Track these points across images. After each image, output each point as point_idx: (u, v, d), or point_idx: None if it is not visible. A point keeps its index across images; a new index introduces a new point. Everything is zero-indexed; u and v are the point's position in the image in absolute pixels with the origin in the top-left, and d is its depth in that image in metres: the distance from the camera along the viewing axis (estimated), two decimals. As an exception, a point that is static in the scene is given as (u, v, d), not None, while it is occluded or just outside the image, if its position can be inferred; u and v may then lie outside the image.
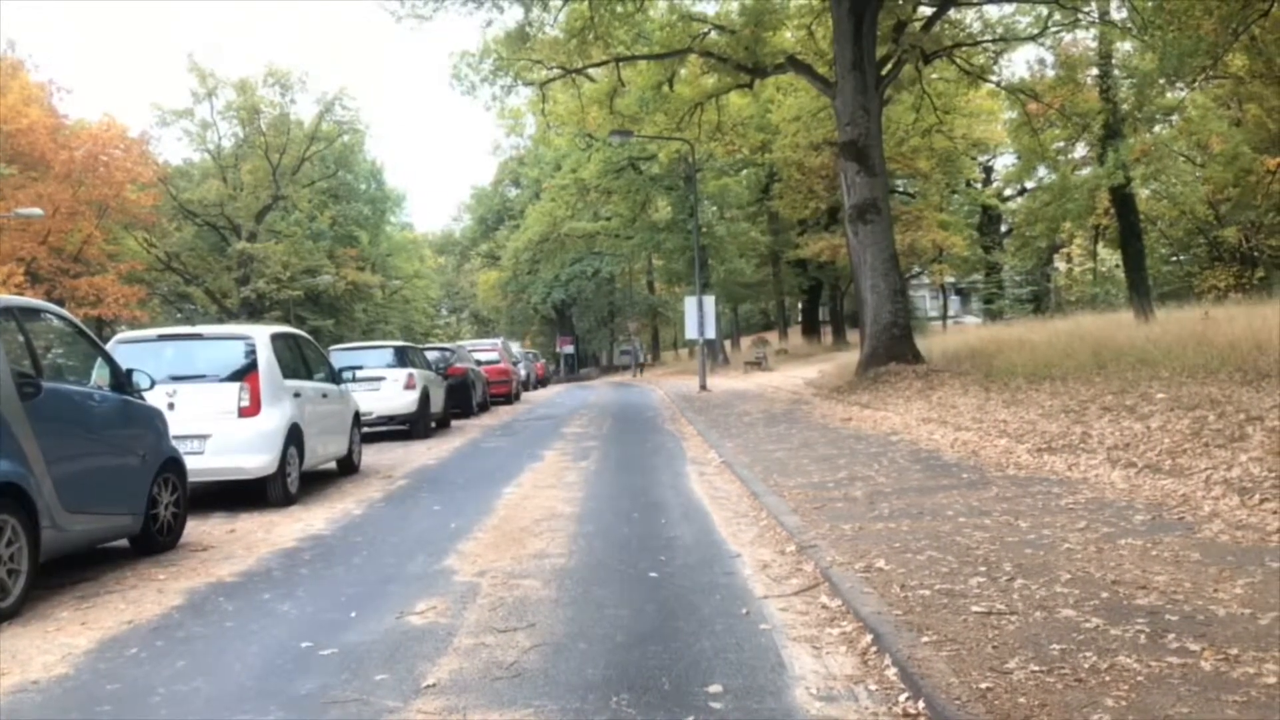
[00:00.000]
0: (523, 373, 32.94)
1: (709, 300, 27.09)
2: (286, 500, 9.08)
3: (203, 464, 8.55)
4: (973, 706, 3.30)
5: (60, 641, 4.81)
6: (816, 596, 5.13)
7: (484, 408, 22.74)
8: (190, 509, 7.80)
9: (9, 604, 5.22)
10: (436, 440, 15.56)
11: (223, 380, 9.04)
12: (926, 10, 20.96)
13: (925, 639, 4.02)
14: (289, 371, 9.71)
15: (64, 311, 7.01)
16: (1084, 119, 25.62)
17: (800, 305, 55.56)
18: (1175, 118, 30.21)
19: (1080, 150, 32.07)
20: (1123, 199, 27.30)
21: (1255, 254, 32.52)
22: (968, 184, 46.76)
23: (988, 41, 22.98)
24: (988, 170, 48.91)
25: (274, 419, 9.02)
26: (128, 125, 40.82)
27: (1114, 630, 4.01)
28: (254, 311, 46.45)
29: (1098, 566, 5.05)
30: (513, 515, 8.04)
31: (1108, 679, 3.49)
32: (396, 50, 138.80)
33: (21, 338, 5.83)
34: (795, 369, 30.92)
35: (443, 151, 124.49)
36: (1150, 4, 17.78)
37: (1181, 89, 25.97)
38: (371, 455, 13.26)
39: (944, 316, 55.02)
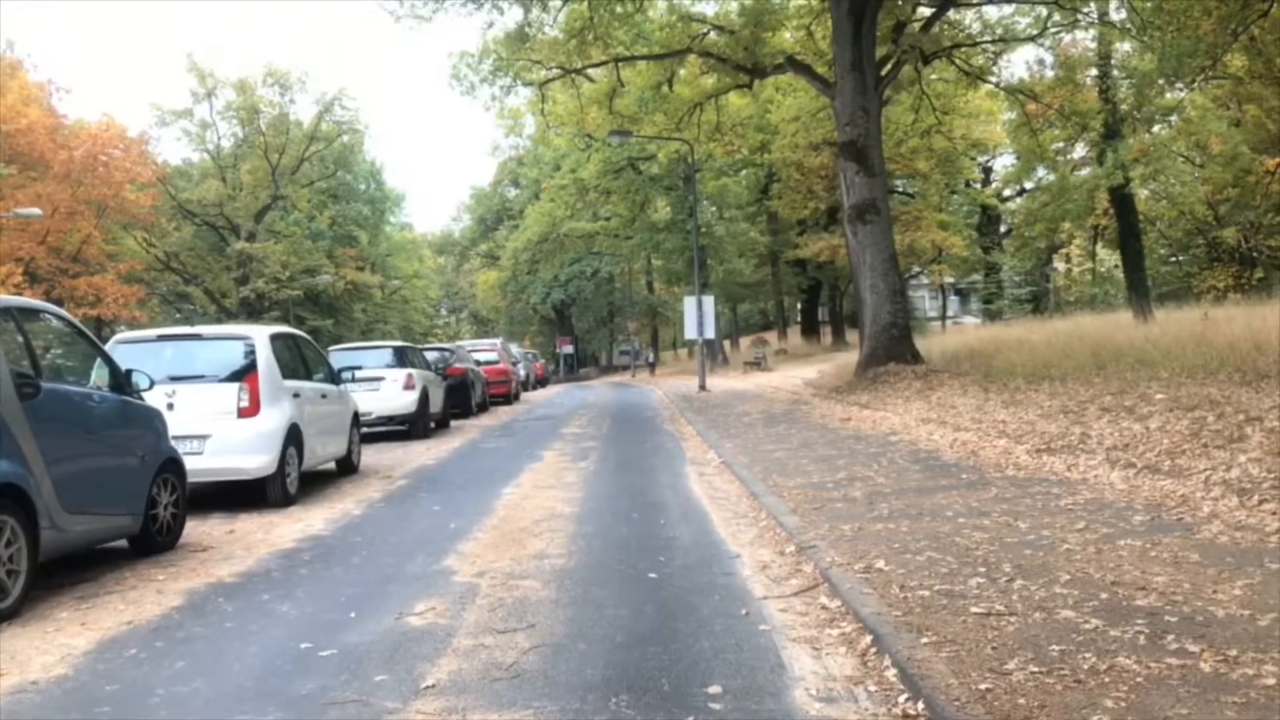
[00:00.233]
0: (522, 373, 32.94)
1: (708, 300, 27.10)
2: (286, 501, 9.07)
3: (202, 464, 8.55)
4: (972, 707, 3.31)
5: (59, 642, 4.81)
6: (816, 597, 5.13)
7: (483, 408, 22.74)
8: (189, 509, 7.79)
9: (8, 604, 5.22)
10: (436, 440, 15.55)
11: (222, 380, 9.03)
12: (926, 11, 20.97)
13: (925, 640, 4.03)
14: (288, 372, 9.70)
15: (63, 312, 7.01)
16: (1083, 119, 25.63)
17: (799, 305, 55.59)
18: (1174, 118, 30.25)
19: (1079, 151, 32.11)
20: (1122, 199, 27.32)
21: (1254, 254, 32.53)
22: (967, 184, 46.78)
23: (987, 42, 22.99)
24: (987, 171, 48.93)
25: (273, 419, 9.02)
26: (127, 125, 40.92)
27: (1113, 631, 4.01)
28: (253, 311, 46.44)
29: (1097, 567, 5.05)
30: (512, 516, 8.04)
31: (1107, 680, 3.49)
32: (396, 50, 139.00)
33: (21, 338, 5.83)
34: (794, 369, 30.93)
35: (442, 152, 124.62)
36: (1149, 4, 17.79)
37: (1181, 89, 25.99)
38: (371, 455, 13.26)
39: (943, 317, 55.03)
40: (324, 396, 10.69)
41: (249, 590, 5.81)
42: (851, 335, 39.10)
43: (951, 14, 21.48)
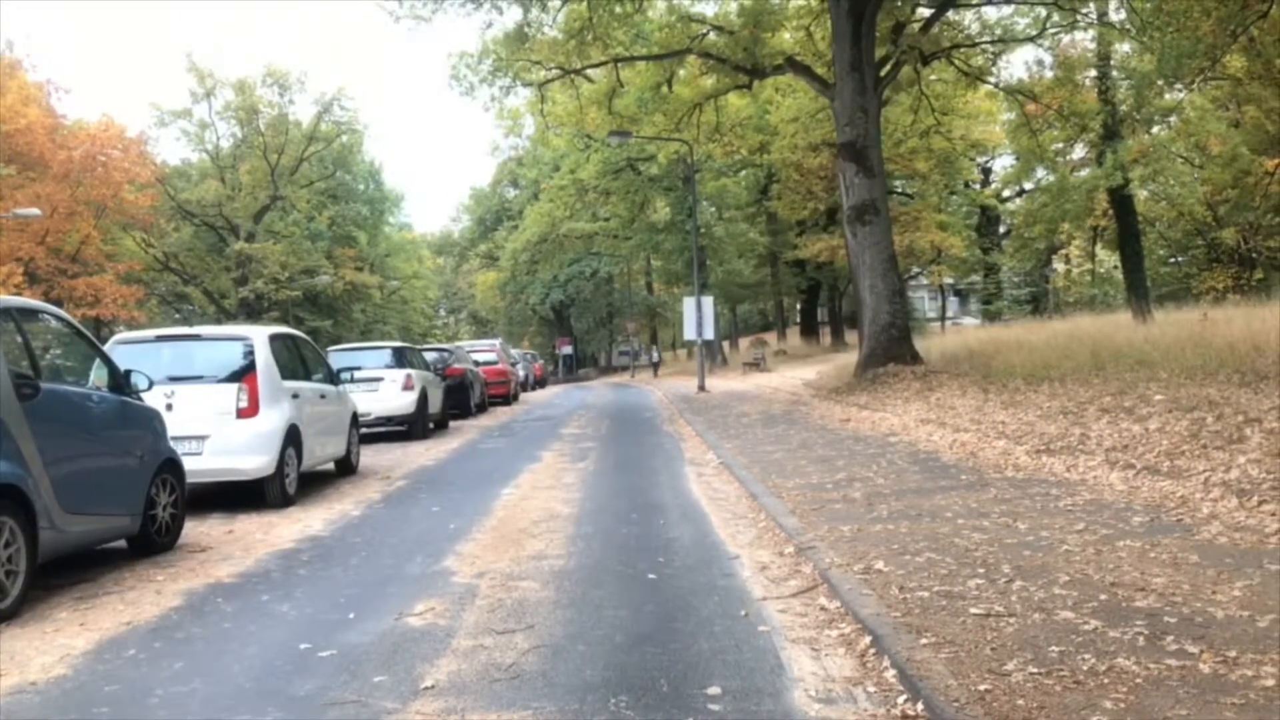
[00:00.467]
0: (521, 373, 32.94)
1: (707, 301, 27.10)
2: (285, 501, 9.07)
3: (201, 465, 8.55)
4: (971, 708, 3.31)
5: (58, 643, 4.81)
6: (815, 598, 5.13)
7: (482, 408, 22.74)
8: (188, 510, 7.79)
9: (7, 605, 5.22)
10: (435, 441, 15.55)
11: (221, 381, 9.03)
12: (925, 11, 20.97)
13: (924, 641, 4.03)
14: (287, 372, 9.70)
15: (62, 312, 7.00)
16: (1082, 120, 25.63)
17: (799, 306, 55.59)
18: (1174, 119, 30.27)
19: (1079, 151, 32.14)
20: (1121, 200, 27.34)
21: (1253, 255, 32.55)
22: (966, 185, 46.77)
23: (986, 43, 22.99)
24: (986, 171, 48.93)
25: (272, 420, 9.02)
26: (126, 125, 40.83)
27: (1112, 632, 4.01)
28: (252, 312, 46.42)
29: (1096, 568, 5.06)
30: (511, 516, 8.04)
31: (1106, 681, 3.49)
32: (396, 51, 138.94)
33: (20, 338, 5.82)
34: (793, 370, 30.92)
35: (441, 152, 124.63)
36: (1149, 5, 17.78)
37: (1180, 90, 25.99)
38: (370, 456, 13.26)
39: (942, 317, 55.00)
40: (323, 397, 10.69)
41: (248, 591, 5.81)
42: (851, 336, 39.12)
43: (951, 15, 21.48)
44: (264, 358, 9.21)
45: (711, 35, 22.39)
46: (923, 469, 8.99)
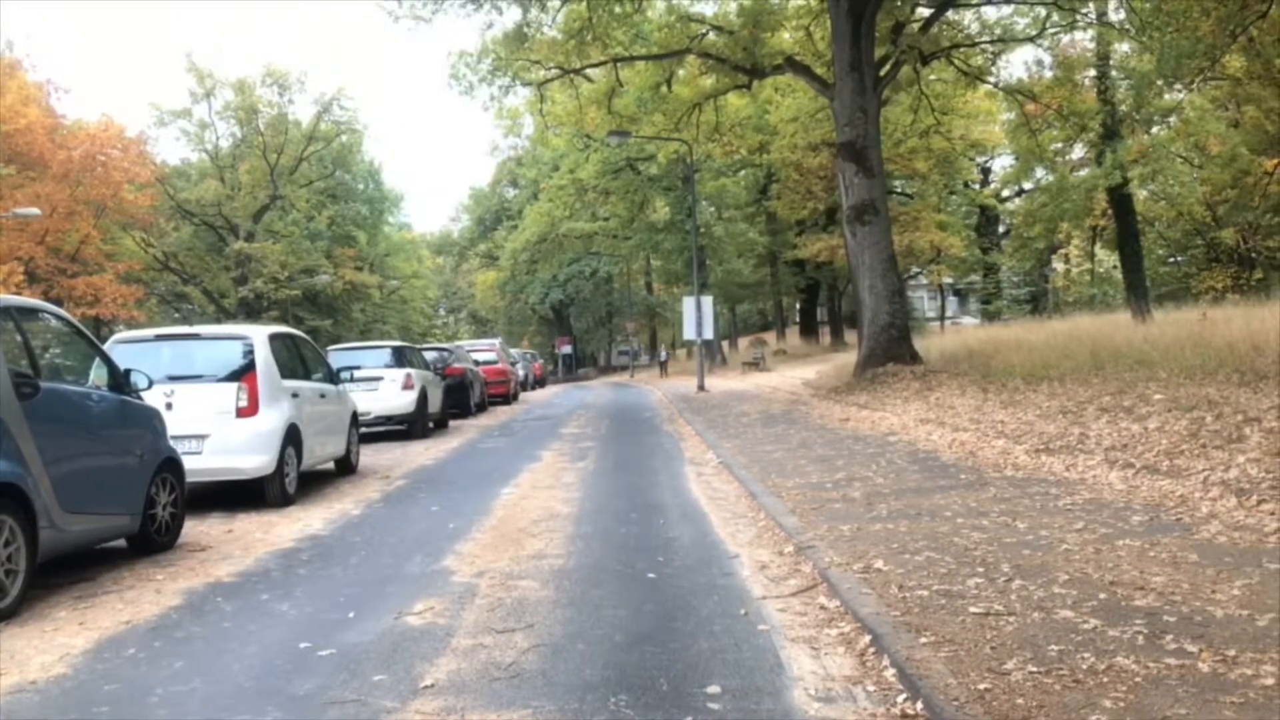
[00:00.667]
0: (520, 373, 32.93)
1: (707, 301, 27.10)
2: (284, 501, 9.07)
3: (200, 464, 8.54)
4: (971, 707, 3.31)
5: (58, 642, 4.81)
6: (815, 597, 5.13)
7: (482, 408, 22.74)
8: (188, 509, 7.79)
9: (7, 604, 5.21)
10: (434, 440, 15.55)
11: (220, 380, 9.03)
12: (925, 11, 20.97)
13: (923, 640, 4.03)
14: (287, 372, 9.70)
15: (62, 311, 7.00)
16: (1082, 120, 25.63)
17: (798, 306, 55.59)
18: (1173, 119, 30.26)
19: (1078, 151, 32.14)
20: (1120, 200, 27.34)
21: (1253, 255, 32.56)
22: (966, 185, 46.78)
23: (986, 42, 22.99)
24: (985, 171, 48.94)
25: (272, 419, 9.01)
26: (126, 125, 40.83)
27: (1112, 631, 4.01)
28: (251, 311, 46.41)
29: (1095, 567, 5.06)
30: (511, 516, 8.04)
31: (1106, 680, 3.49)
32: (395, 50, 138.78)
33: (19, 338, 5.82)
34: (793, 369, 30.93)
35: (441, 152, 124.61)
36: (1148, 5, 17.78)
37: (1179, 90, 26.00)
38: (369, 455, 13.26)
39: (942, 317, 55.00)
40: (322, 396, 10.69)
41: (247, 590, 5.81)
42: (850, 336, 39.13)
43: (950, 14, 21.49)
44: (264, 357, 9.20)
45: (711, 35, 22.39)
46: (922, 468, 8.99)
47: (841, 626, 4.56)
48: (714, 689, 3.81)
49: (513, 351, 35.60)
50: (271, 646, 4.61)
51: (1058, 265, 52.95)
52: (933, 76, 24.77)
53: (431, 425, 17.05)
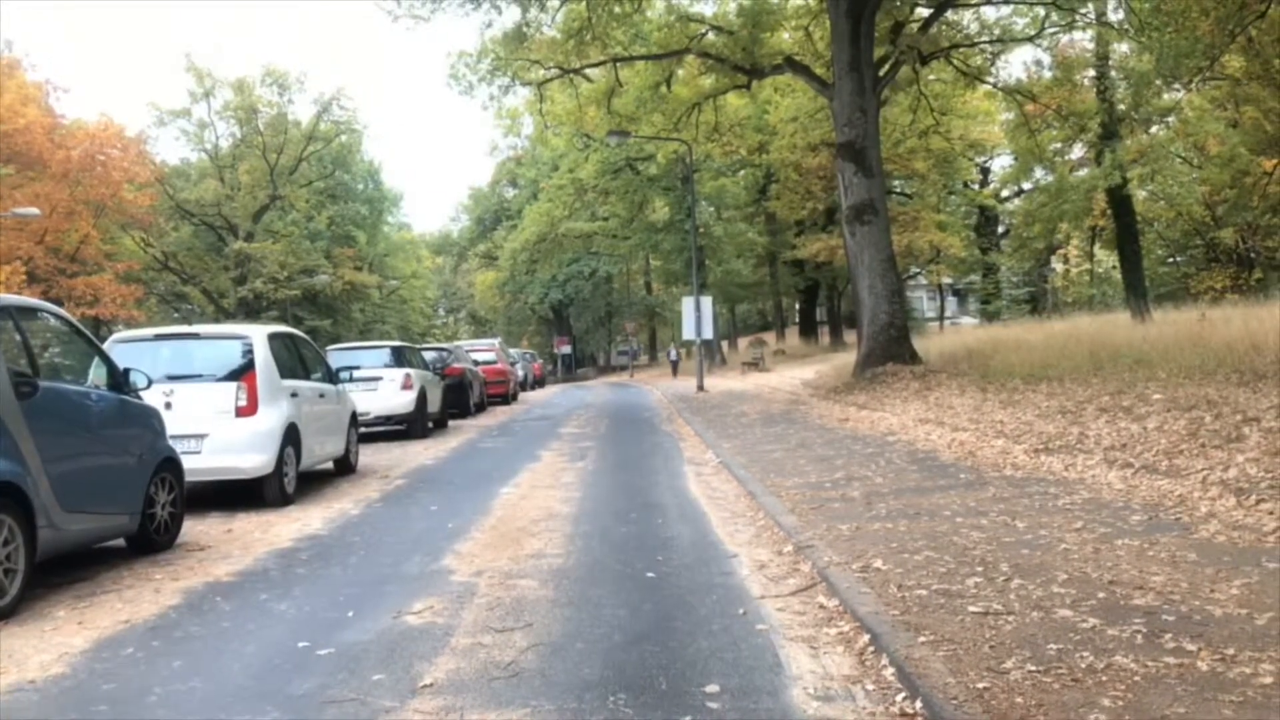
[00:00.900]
0: (520, 373, 32.92)
1: (706, 301, 27.09)
2: (283, 500, 9.07)
3: (200, 464, 8.54)
4: (970, 706, 3.31)
5: (57, 641, 4.81)
6: (814, 596, 5.13)
7: (481, 408, 22.72)
8: (187, 508, 7.78)
9: (6, 603, 5.21)
10: (434, 440, 15.54)
11: (220, 380, 9.03)
12: (924, 11, 20.98)
13: (922, 639, 4.03)
14: (286, 371, 9.69)
15: (61, 311, 7.00)
16: (1081, 120, 25.66)
17: (797, 306, 55.59)
18: (1172, 119, 30.28)
19: (1077, 151, 32.15)
20: (1120, 200, 27.35)
21: (1252, 255, 32.60)
22: (965, 185, 46.81)
23: (985, 43, 23.00)
24: (985, 171, 48.96)
25: (271, 419, 9.01)
26: (125, 125, 40.87)
27: (1111, 630, 4.01)
28: (251, 311, 46.41)
29: (1094, 567, 5.06)
30: (510, 515, 8.04)
31: (1104, 679, 3.50)
32: (395, 50, 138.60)
33: (19, 337, 5.82)
34: (792, 369, 30.93)
35: (440, 152, 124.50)
36: (1147, 5, 17.79)
37: (1178, 90, 26.04)
38: (369, 455, 13.26)
39: (941, 317, 55.03)
40: (322, 396, 10.69)
41: (246, 589, 5.80)
42: (849, 336, 39.13)
43: (949, 14, 21.50)
44: (263, 356, 9.20)
45: (710, 35, 22.40)
46: (921, 468, 8.99)
47: (840, 625, 4.56)
48: (713, 688, 3.81)
49: (512, 351, 35.59)
50: (270, 646, 4.61)
51: (1057, 265, 53.00)
52: (932, 76, 24.77)
53: (431, 425, 17.04)
